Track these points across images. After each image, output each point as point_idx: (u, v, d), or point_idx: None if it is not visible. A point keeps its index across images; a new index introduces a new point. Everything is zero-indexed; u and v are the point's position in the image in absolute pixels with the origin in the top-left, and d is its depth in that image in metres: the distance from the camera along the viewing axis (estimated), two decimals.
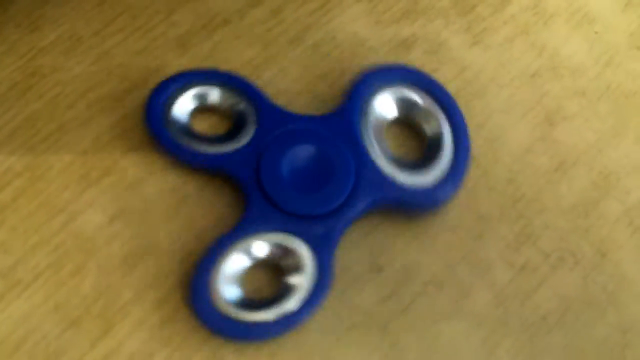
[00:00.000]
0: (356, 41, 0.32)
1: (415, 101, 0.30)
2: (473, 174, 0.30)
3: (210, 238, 0.28)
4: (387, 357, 0.27)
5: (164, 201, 0.28)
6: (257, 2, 0.32)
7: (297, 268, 0.27)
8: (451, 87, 0.31)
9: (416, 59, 0.32)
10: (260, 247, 0.27)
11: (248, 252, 0.27)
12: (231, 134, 0.29)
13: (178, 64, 0.31)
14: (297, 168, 0.28)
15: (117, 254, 0.27)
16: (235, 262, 0.27)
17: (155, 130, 0.28)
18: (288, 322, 0.26)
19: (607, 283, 0.28)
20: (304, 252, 0.27)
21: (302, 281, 0.27)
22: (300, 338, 0.27)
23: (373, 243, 0.28)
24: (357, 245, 0.28)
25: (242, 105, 0.29)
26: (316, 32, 0.32)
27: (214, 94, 0.29)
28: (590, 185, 0.30)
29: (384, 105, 0.30)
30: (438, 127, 0.29)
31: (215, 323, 0.26)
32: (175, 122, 0.29)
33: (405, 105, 0.30)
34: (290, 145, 0.28)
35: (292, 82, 0.31)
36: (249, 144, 0.28)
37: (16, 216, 0.28)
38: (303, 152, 0.28)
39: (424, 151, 0.29)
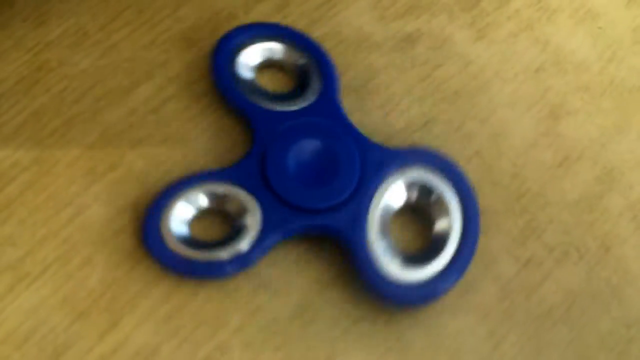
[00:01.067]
0: (361, 36, 0.32)
1: (436, 188, 0.28)
2: (477, 169, 0.30)
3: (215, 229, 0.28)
4: (392, 351, 0.27)
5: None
6: None
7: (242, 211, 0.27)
8: (455, 82, 0.31)
9: (420, 54, 0.32)
10: (203, 197, 0.28)
11: (192, 201, 0.28)
12: (291, 96, 0.30)
13: (184, 58, 0.31)
14: (303, 160, 0.28)
15: (124, 247, 0.28)
16: (182, 210, 0.28)
17: (223, 85, 0.29)
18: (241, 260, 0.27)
19: (611, 277, 0.29)
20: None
21: (251, 222, 0.27)
22: (306, 332, 0.27)
23: None
24: None
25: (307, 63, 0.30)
26: (321, 27, 0.32)
27: (280, 51, 0.31)
28: (594, 180, 0.30)
29: (394, 192, 0.28)
30: (449, 221, 0.28)
31: (168, 260, 0.27)
32: (240, 78, 0.30)
33: (419, 192, 0.29)
34: (308, 136, 0.29)
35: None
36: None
37: (24, 209, 0.28)
38: (315, 147, 0.28)
39: (429, 243, 0.28)
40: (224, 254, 0.27)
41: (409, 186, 0.28)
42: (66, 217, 0.28)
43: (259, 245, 0.27)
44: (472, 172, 0.30)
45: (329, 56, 0.31)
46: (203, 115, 0.30)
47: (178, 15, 0.32)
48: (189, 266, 0.27)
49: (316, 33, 0.32)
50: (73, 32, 0.31)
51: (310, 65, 0.30)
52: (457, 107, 0.31)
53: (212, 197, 0.28)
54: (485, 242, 0.29)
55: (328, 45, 0.32)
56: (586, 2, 0.34)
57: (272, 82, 0.31)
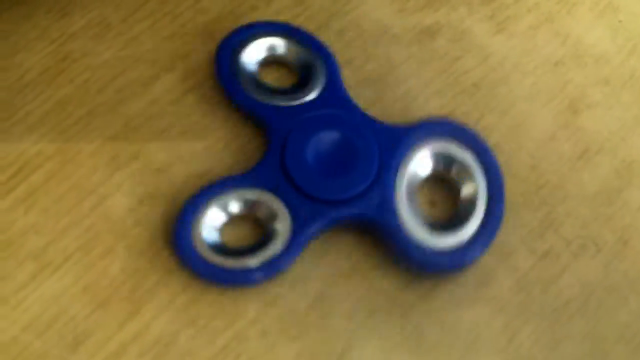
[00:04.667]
0: (380, 28, 0.32)
1: (455, 156, 0.29)
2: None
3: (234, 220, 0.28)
4: (408, 342, 0.27)
5: (191, 185, 0.29)
6: None
7: (272, 216, 0.28)
8: (474, 75, 0.31)
9: (440, 47, 0.32)
10: (235, 204, 0.28)
11: (224, 207, 0.28)
12: (295, 90, 0.30)
13: (205, 50, 0.31)
14: (322, 151, 0.28)
15: (145, 236, 0.28)
16: (214, 216, 0.28)
17: (225, 82, 0.30)
18: (271, 267, 0.27)
19: (628, 270, 0.29)
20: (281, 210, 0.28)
21: (281, 227, 0.27)
22: (323, 323, 0.27)
23: None
24: None
25: (312, 63, 0.30)
26: (341, 19, 0.32)
27: (282, 46, 0.31)
28: (613, 173, 0.30)
29: (421, 161, 0.29)
30: (474, 187, 0.28)
31: (199, 267, 0.27)
32: (243, 71, 0.30)
33: (444, 161, 0.29)
34: (324, 128, 0.29)
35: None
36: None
37: (47, 198, 0.28)
38: (332, 137, 0.29)
39: (457, 211, 0.29)
40: (253, 261, 0.27)
41: (432, 157, 0.29)
42: (88, 207, 0.28)
43: (289, 251, 0.27)
44: None
45: (330, 49, 0.31)
46: (224, 107, 0.30)
47: (200, 6, 0.32)
48: (220, 274, 0.27)
49: (335, 26, 0.32)
50: (96, 23, 0.31)
51: (312, 59, 0.30)
52: (476, 100, 0.31)
53: (243, 203, 0.28)
54: (502, 235, 0.29)
55: (347, 38, 0.32)
56: None
57: (275, 78, 0.31)
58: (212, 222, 0.28)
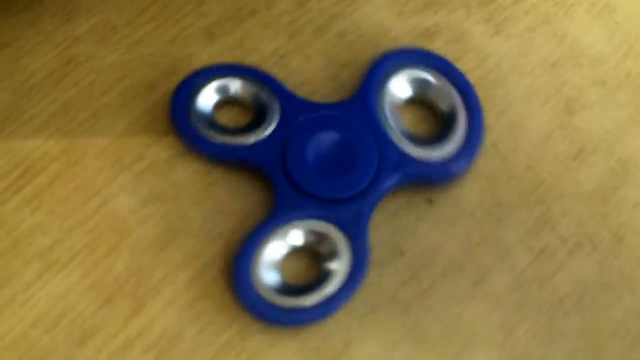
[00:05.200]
0: (380, 31, 0.33)
1: (429, 80, 0.31)
2: (493, 161, 0.30)
3: (238, 220, 0.29)
4: (407, 338, 0.28)
5: (194, 186, 0.29)
6: None
7: (333, 253, 0.28)
8: (472, 76, 0.32)
9: (438, 49, 0.32)
10: (296, 235, 0.28)
11: (284, 240, 0.28)
12: (254, 125, 0.30)
13: (207, 53, 0.31)
14: (322, 154, 0.29)
15: (149, 235, 0.28)
16: (273, 250, 0.28)
17: (180, 124, 0.29)
18: (327, 307, 0.27)
19: (623, 267, 0.29)
20: (338, 237, 0.28)
21: (339, 266, 0.27)
22: (324, 319, 0.28)
23: (395, 228, 0.29)
24: (379, 230, 0.29)
25: (264, 97, 0.30)
26: (341, 22, 0.33)
27: (236, 86, 0.30)
28: (609, 172, 0.31)
29: (399, 86, 0.31)
30: (452, 103, 0.30)
31: (259, 309, 0.27)
32: (199, 115, 0.30)
33: (419, 85, 0.31)
34: (313, 132, 0.29)
35: (317, 71, 0.32)
36: (272, 135, 0.29)
37: (53, 199, 0.29)
38: (327, 138, 0.29)
39: (440, 127, 0.30)
40: (309, 301, 0.27)
41: (408, 83, 0.31)
42: (93, 207, 0.29)
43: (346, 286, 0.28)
44: (488, 164, 0.30)
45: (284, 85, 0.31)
46: (224, 109, 0.31)
47: (201, 10, 0.32)
48: (279, 315, 0.27)
49: (335, 28, 0.32)
50: (100, 27, 0.32)
51: (261, 92, 0.30)
52: None
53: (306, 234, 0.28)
54: (499, 233, 0.29)
55: (348, 40, 0.32)
56: None
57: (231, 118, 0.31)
58: (271, 258, 0.28)
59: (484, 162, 0.30)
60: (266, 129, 0.29)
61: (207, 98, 0.30)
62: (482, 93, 0.31)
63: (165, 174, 0.29)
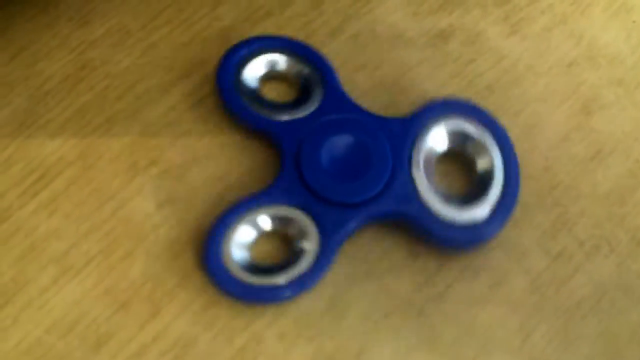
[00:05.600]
0: (395, 32, 0.33)
1: (469, 133, 0.30)
2: None
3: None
4: (423, 343, 0.28)
5: (209, 190, 0.29)
6: None
7: (302, 234, 0.28)
8: (488, 77, 0.32)
9: (454, 50, 0.32)
10: (266, 221, 0.28)
11: (255, 224, 0.28)
12: (296, 104, 0.30)
13: (221, 56, 0.31)
14: (337, 157, 0.29)
15: (164, 240, 0.29)
16: (244, 233, 0.28)
17: (226, 95, 0.30)
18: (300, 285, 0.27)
19: None
20: (304, 219, 0.28)
21: (309, 246, 0.28)
22: (339, 324, 0.28)
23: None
24: (394, 233, 0.29)
25: (312, 78, 0.30)
26: (356, 24, 0.33)
27: (283, 62, 0.31)
28: (627, 173, 0.30)
29: (437, 137, 0.30)
30: (490, 161, 0.29)
31: (228, 285, 0.27)
32: (245, 88, 0.30)
33: (458, 138, 0.30)
34: (334, 134, 0.29)
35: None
36: (304, 119, 0.30)
37: (69, 203, 0.29)
38: (344, 141, 0.29)
39: (474, 186, 0.29)
40: (282, 279, 0.27)
41: (447, 134, 0.30)
42: (109, 211, 0.29)
43: (319, 265, 0.28)
44: None
45: (326, 59, 0.31)
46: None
47: (216, 14, 0.33)
48: (249, 292, 0.27)
49: (350, 30, 0.32)
50: (115, 31, 0.32)
51: (311, 73, 0.31)
52: (490, 102, 0.31)
53: (271, 219, 0.28)
54: (516, 235, 0.29)
55: (361, 42, 0.32)
56: None
57: (276, 93, 0.31)
58: (241, 240, 0.28)
59: None
60: (303, 110, 0.30)
61: (253, 71, 0.31)
62: (498, 94, 0.31)
63: (180, 178, 0.30)
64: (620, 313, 0.28)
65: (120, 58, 0.32)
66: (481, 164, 0.29)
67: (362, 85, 0.31)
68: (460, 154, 0.30)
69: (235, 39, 0.32)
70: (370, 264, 0.28)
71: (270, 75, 0.31)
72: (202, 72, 0.31)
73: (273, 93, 0.31)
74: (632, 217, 0.30)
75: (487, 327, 0.28)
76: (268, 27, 0.32)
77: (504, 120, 0.31)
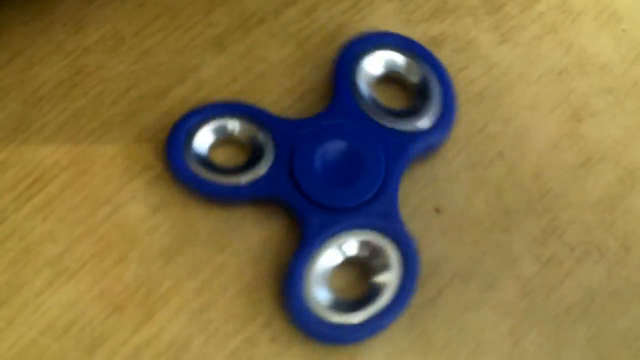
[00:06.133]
0: None
1: (397, 60, 0.31)
2: (500, 170, 0.30)
3: (243, 228, 0.29)
4: (414, 346, 0.28)
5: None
6: (292, 1, 0.33)
7: (384, 265, 0.28)
8: (479, 84, 0.32)
9: (445, 57, 0.32)
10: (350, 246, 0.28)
11: (339, 249, 0.28)
12: (249, 165, 0.30)
13: (215, 62, 0.32)
14: (328, 164, 0.29)
15: (157, 244, 0.29)
16: (323, 264, 0.28)
17: (176, 165, 0.29)
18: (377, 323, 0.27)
19: (631, 276, 0.29)
20: (387, 246, 0.28)
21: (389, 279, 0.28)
22: None
23: None
24: None
25: (258, 135, 0.30)
26: (349, 31, 0.33)
27: (233, 126, 0.30)
28: (616, 180, 0.31)
29: (371, 65, 0.31)
30: (423, 75, 0.31)
31: (311, 326, 0.27)
32: (196, 156, 0.29)
33: (390, 64, 0.31)
34: (317, 144, 0.29)
35: (325, 79, 0.32)
36: (272, 168, 0.29)
37: (63, 208, 0.29)
38: (332, 147, 0.29)
39: (414, 99, 0.31)
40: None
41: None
42: (103, 215, 0.29)
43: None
44: (494, 173, 0.30)
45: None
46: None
47: (210, 20, 0.33)
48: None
49: (343, 37, 0.33)
50: (110, 37, 0.32)
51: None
52: (480, 109, 0.32)
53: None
54: (507, 242, 0.29)
55: None
56: (610, 4, 0.34)
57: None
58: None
59: (491, 170, 0.30)
60: (263, 166, 0.29)
61: (203, 139, 0.30)
62: (488, 102, 0.32)
63: (173, 183, 0.30)
64: (610, 318, 0.29)
65: (115, 64, 0.32)
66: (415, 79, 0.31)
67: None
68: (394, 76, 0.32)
69: (229, 46, 0.32)
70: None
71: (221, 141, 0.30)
72: (196, 78, 0.31)
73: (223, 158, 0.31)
74: (622, 223, 0.30)
75: (478, 332, 0.28)
76: (261, 34, 0.32)
77: (495, 128, 0.31)
